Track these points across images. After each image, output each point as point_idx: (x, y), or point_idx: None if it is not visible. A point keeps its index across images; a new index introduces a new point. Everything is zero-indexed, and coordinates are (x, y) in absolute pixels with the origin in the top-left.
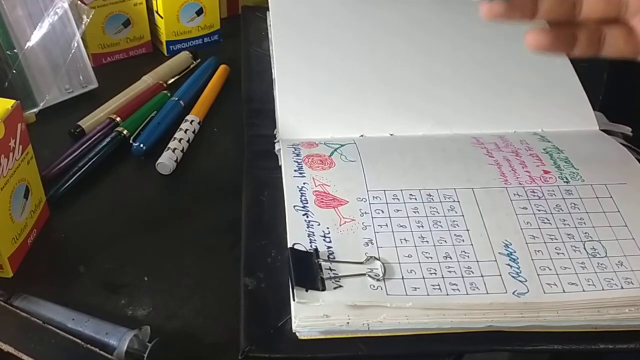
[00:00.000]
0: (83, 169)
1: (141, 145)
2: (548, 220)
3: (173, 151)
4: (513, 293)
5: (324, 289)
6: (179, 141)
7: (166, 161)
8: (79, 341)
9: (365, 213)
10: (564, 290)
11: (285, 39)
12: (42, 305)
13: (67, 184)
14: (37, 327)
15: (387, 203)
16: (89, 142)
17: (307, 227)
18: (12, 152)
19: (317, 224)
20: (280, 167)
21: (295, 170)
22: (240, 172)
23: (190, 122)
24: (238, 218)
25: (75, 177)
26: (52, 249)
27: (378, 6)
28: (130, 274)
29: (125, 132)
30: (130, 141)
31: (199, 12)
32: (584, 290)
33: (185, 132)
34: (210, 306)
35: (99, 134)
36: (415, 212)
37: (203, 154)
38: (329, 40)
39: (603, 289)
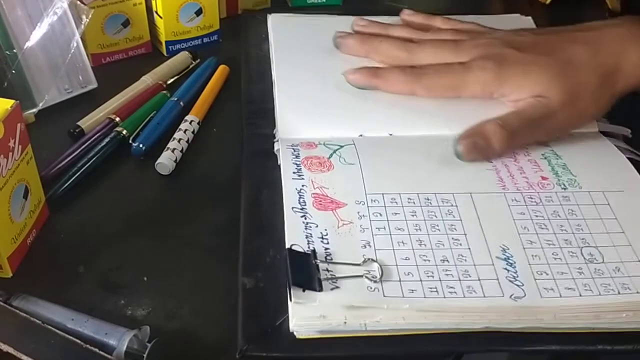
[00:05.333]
0: (82, 169)
1: (140, 146)
2: (545, 225)
3: (172, 151)
4: (510, 297)
5: (321, 290)
6: (179, 141)
7: (165, 161)
8: (78, 341)
9: (364, 216)
10: (560, 294)
11: (285, 39)
12: (42, 306)
13: (66, 184)
14: (36, 327)
15: (385, 206)
16: (89, 142)
17: (305, 229)
18: (11, 152)
19: (315, 225)
20: (279, 166)
21: (294, 172)
22: (239, 172)
23: (190, 122)
24: (237, 218)
25: (75, 177)
26: (52, 249)
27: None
28: (129, 274)
29: (124, 132)
30: (130, 141)
31: (199, 12)
32: (580, 295)
33: (185, 132)
34: (209, 306)
35: (98, 134)
36: (413, 215)
37: (202, 154)
38: (328, 40)
39: (600, 294)
